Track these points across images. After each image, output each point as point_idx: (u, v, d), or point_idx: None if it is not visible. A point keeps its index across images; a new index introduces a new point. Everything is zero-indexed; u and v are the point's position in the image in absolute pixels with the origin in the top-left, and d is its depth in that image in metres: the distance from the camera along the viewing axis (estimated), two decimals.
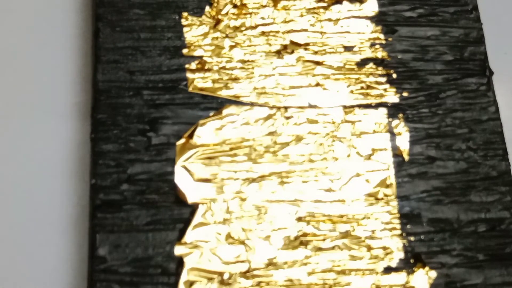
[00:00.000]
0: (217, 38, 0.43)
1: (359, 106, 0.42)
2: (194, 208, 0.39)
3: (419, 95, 0.43)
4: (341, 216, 0.39)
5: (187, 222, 0.38)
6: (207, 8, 0.44)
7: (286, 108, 0.42)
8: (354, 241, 0.39)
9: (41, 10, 0.46)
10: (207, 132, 0.41)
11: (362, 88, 0.43)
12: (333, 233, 0.39)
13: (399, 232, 0.39)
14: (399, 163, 0.41)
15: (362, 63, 0.43)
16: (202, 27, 0.44)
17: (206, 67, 0.42)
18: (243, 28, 0.44)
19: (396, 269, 0.38)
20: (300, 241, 0.38)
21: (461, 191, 0.41)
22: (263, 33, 0.44)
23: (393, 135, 0.42)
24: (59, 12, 0.46)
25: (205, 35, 0.43)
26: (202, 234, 0.38)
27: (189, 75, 0.42)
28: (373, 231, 0.39)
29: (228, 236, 0.38)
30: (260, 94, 0.42)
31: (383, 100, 0.43)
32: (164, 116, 0.41)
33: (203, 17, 0.44)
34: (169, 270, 0.37)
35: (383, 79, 0.43)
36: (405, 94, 0.43)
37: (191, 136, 0.41)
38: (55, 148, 0.42)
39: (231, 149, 0.40)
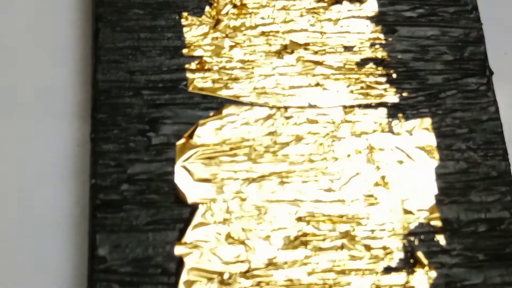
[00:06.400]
0: (217, 38, 0.43)
1: (359, 106, 0.42)
2: (194, 208, 0.39)
3: (419, 95, 0.43)
4: (341, 216, 0.39)
5: (187, 222, 0.38)
6: (207, 8, 0.44)
7: (286, 108, 0.42)
8: (354, 241, 0.39)
9: (41, 10, 0.46)
10: (207, 132, 0.41)
11: (362, 88, 0.43)
12: (333, 233, 0.39)
13: (399, 232, 0.39)
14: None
15: (362, 63, 0.43)
16: (202, 27, 0.44)
17: (206, 67, 0.42)
18: (243, 28, 0.44)
19: (396, 269, 0.38)
20: (300, 241, 0.38)
21: (461, 191, 0.41)
22: (263, 33, 0.44)
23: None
24: (59, 12, 0.46)
25: (205, 35, 0.43)
26: (202, 234, 0.38)
27: (189, 75, 0.42)
28: (373, 231, 0.39)
29: (228, 236, 0.38)
30: (260, 94, 0.42)
31: (383, 100, 0.43)
32: (164, 116, 0.41)
33: (203, 17, 0.44)
34: (169, 270, 0.37)
35: (383, 79, 0.43)
36: (405, 94, 0.43)
37: (191, 136, 0.41)
38: (55, 148, 0.42)
39: (231, 149, 0.40)
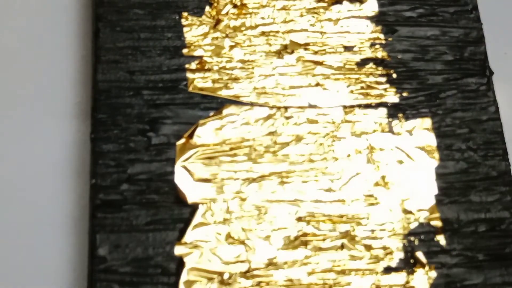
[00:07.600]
0: (217, 38, 0.43)
1: (359, 106, 0.42)
2: (194, 208, 0.39)
3: (419, 95, 0.43)
4: (341, 216, 0.39)
5: (187, 222, 0.38)
6: (207, 8, 0.44)
7: (286, 108, 0.42)
8: (354, 241, 0.39)
9: (41, 10, 0.46)
10: (207, 132, 0.41)
11: (362, 88, 0.43)
12: (333, 233, 0.39)
13: (399, 232, 0.39)
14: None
15: (362, 63, 0.43)
16: (202, 27, 0.44)
17: (206, 67, 0.42)
18: (243, 28, 0.44)
19: (396, 269, 0.38)
20: (300, 241, 0.38)
21: (461, 191, 0.41)
22: (263, 33, 0.44)
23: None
24: (59, 12, 0.46)
25: (205, 35, 0.43)
26: (202, 234, 0.38)
27: (189, 75, 0.42)
28: (373, 231, 0.39)
29: (228, 236, 0.38)
30: (260, 94, 0.42)
31: (383, 100, 0.43)
32: (164, 116, 0.41)
33: (203, 17, 0.44)
34: (169, 270, 0.37)
35: (383, 79, 0.43)
36: (405, 94, 0.43)
37: (191, 136, 0.41)
38: (55, 148, 0.42)
39: (231, 149, 0.40)
